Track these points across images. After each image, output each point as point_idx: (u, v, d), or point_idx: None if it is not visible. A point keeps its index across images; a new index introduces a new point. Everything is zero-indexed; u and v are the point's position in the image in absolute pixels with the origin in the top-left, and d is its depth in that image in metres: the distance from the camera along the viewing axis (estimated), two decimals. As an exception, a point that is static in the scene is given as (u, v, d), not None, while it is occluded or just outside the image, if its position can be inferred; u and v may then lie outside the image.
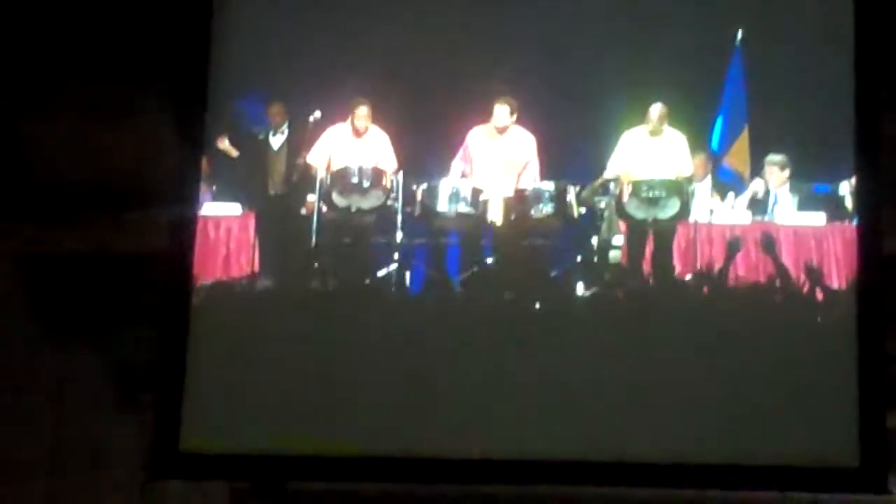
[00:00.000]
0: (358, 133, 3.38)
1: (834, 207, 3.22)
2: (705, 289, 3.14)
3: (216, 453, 3.51)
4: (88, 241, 4.64)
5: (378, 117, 3.37)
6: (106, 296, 4.69)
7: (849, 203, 3.18)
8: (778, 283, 3.15)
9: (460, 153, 3.35)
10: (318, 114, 3.33)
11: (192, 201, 3.48)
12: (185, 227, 3.53)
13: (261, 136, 3.39)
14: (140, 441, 4.06)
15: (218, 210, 3.40)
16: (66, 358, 4.64)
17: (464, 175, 3.33)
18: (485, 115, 3.35)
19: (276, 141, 3.40)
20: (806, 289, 3.16)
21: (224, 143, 3.38)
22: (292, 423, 3.36)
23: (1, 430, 4.45)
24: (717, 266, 3.16)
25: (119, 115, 4.35)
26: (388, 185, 3.29)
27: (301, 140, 3.32)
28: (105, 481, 4.52)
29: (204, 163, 3.33)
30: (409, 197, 3.30)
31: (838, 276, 3.19)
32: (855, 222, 3.12)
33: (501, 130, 3.36)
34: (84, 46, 4.22)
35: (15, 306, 4.59)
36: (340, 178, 3.28)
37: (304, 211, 3.28)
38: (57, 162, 4.48)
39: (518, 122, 3.35)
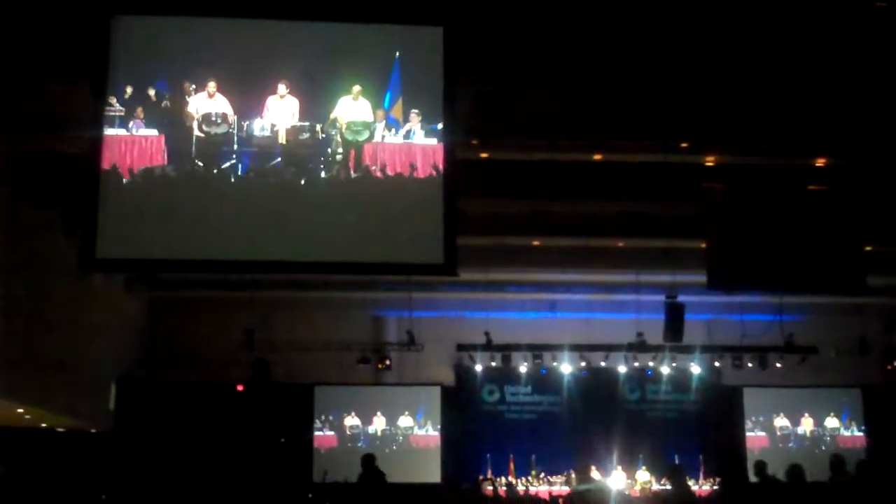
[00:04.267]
0: (210, 96, 7.65)
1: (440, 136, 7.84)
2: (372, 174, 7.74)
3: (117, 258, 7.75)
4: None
5: (220, 89, 7.67)
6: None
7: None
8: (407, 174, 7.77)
9: (265, 109, 7.74)
10: (192, 87, 7.59)
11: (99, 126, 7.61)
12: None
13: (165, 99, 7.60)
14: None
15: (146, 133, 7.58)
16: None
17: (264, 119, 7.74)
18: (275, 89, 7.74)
19: (173, 100, 7.62)
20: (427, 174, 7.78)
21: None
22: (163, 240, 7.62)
23: None
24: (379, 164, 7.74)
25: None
26: (230, 122, 7.61)
27: (183, 100, 7.60)
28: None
29: (139, 111, 7.49)
30: (239, 128, 7.65)
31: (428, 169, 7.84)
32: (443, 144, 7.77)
33: (282, 97, 7.73)
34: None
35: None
36: (206, 119, 7.58)
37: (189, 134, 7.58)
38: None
39: (291, 94, 7.73)
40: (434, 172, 7.78)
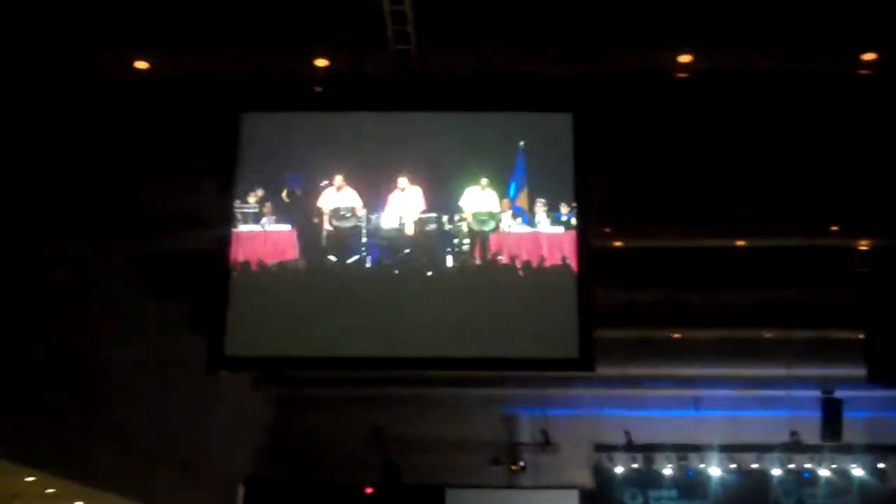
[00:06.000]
0: (338, 190, 7.94)
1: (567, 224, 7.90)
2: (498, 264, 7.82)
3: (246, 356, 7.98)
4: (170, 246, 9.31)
5: (348, 181, 7.97)
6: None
7: (573, 222, 7.84)
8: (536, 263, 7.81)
9: (388, 203, 7.99)
10: (322, 181, 7.92)
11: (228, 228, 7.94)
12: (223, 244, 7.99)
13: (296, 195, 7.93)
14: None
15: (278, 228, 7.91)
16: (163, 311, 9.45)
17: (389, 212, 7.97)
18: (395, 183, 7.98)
19: (304, 195, 7.95)
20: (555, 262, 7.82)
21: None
22: (292, 336, 7.84)
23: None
24: (506, 254, 7.83)
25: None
26: (359, 216, 7.88)
27: (313, 195, 7.91)
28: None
29: (268, 206, 7.84)
30: (367, 221, 7.90)
31: (571, 259, 7.84)
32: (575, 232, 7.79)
33: (403, 190, 7.97)
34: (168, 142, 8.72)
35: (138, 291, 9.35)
36: (335, 213, 7.87)
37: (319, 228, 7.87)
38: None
39: (412, 184, 7.96)
40: (564, 261, 7.82)
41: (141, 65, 7.77)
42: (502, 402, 17.29)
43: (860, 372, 9.87)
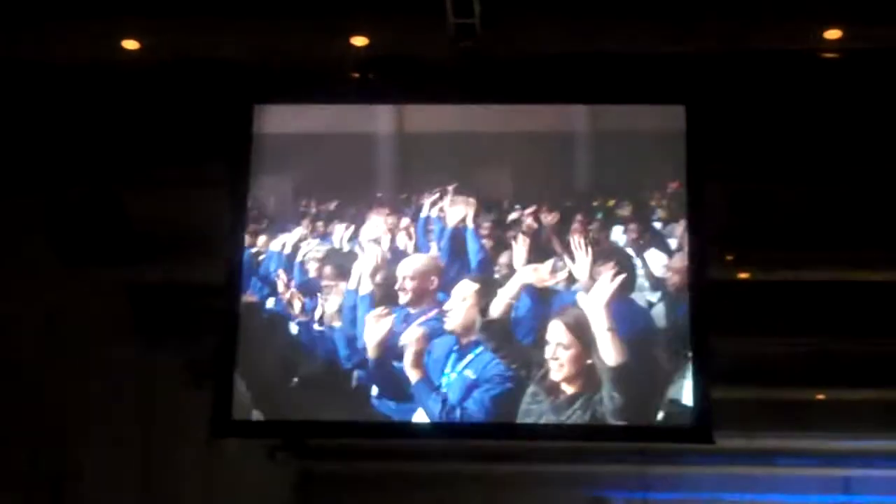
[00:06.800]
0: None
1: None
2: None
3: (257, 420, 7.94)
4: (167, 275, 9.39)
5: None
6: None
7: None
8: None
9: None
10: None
11: (240, 252, 7.93)
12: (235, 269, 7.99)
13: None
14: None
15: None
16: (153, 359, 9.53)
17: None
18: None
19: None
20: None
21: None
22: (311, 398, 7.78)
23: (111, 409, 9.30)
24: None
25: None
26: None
27: None
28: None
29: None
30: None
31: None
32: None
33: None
34: (164, 142, 8.77)
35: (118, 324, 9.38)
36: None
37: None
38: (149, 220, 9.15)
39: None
40: (668, 297, 7.69)
41: (129, 45, 7.78)
42: (590, 481, 17.19)
43: None
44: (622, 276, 7.19)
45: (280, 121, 8.09)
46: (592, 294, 7.14)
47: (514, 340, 7.23)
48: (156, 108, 8.55)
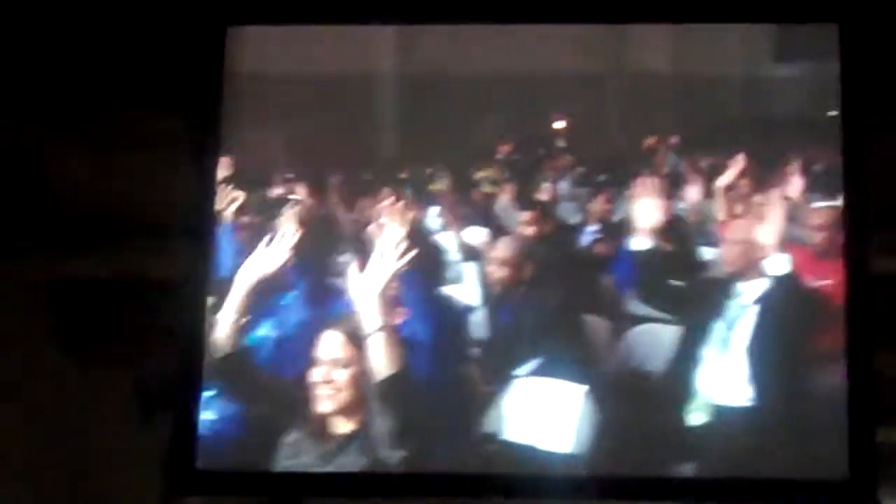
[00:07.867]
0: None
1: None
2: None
3: (233, 471, 7.83)
4: (109, 267, 9.31)
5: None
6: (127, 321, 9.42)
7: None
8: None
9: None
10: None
11: (210, 234, 7.84)
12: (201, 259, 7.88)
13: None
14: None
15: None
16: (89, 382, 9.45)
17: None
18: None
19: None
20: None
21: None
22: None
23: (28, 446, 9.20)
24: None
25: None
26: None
27: None
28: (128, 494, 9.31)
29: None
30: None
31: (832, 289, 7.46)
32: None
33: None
34: (101, 78, 8.68)
35: (40, 332, 9.28)
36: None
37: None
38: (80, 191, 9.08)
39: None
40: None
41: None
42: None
43: None
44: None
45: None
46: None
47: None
48: (93, 35, 8.46)
